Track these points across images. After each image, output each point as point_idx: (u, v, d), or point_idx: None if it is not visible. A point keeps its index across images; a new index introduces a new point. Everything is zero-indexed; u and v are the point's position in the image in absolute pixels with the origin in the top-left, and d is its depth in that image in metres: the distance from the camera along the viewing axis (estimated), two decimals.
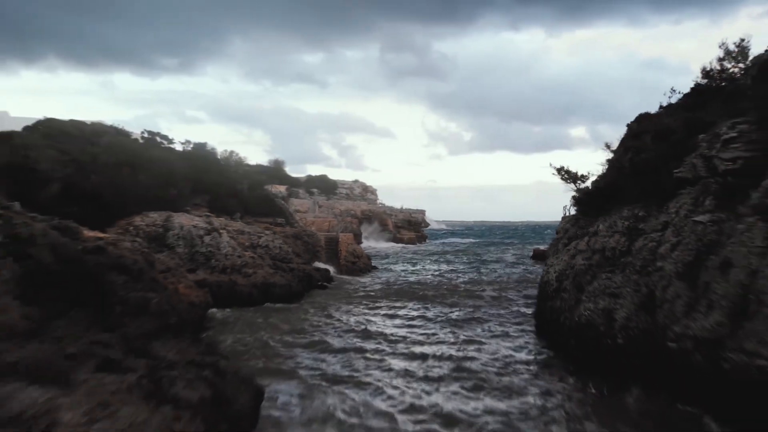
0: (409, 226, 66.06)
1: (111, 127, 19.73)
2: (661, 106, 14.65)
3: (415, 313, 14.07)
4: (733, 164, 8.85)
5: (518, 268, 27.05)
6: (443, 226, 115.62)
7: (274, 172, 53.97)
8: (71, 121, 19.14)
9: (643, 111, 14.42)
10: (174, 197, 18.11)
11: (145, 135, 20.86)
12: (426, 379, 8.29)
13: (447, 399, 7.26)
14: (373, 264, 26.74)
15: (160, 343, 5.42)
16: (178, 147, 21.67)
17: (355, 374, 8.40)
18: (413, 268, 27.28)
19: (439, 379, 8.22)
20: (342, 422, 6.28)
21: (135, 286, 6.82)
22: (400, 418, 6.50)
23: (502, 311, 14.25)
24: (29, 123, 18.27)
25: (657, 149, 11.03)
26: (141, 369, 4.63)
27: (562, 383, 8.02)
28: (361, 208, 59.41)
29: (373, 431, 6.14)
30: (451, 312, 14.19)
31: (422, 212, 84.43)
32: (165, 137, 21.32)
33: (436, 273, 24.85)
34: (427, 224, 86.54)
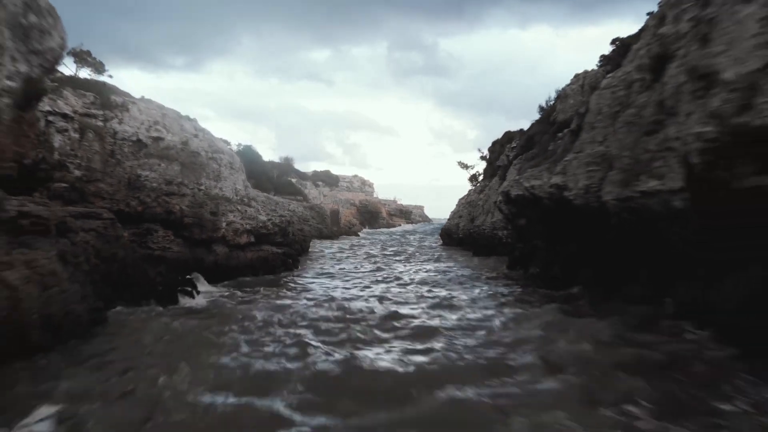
0: (401, 215, 76.96)
1: None
2: (531, 124, 25.40)
3: (390, 241, 25.24)
4: (513, 157, 19.69)
5: None
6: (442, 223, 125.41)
7: (285, 167, 64.84)
8: None
9: None
10: None
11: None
12: (389, 249, 19.58)
13: (400, 248, 18.74)
14: (365, 231, 37.76)
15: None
16: (234, 147, 32.58)
17: (360, 250, 19.46)
18: (393, 234, 38.33)
19: (395, 253, 19.54)
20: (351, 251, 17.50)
21: None
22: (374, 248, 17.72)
23: (429, 238, 25.54)
24: None
25: (498, 151, 21.89)
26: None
27: (439, 246, 19.24)
28: (359, 198, 70.09)
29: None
30: (409, 241, 25.61)
31: (421, 208, 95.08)
32: (226, 142, 32.20)
33: (409, 233, 35.90)
34: (429, 220, 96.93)
